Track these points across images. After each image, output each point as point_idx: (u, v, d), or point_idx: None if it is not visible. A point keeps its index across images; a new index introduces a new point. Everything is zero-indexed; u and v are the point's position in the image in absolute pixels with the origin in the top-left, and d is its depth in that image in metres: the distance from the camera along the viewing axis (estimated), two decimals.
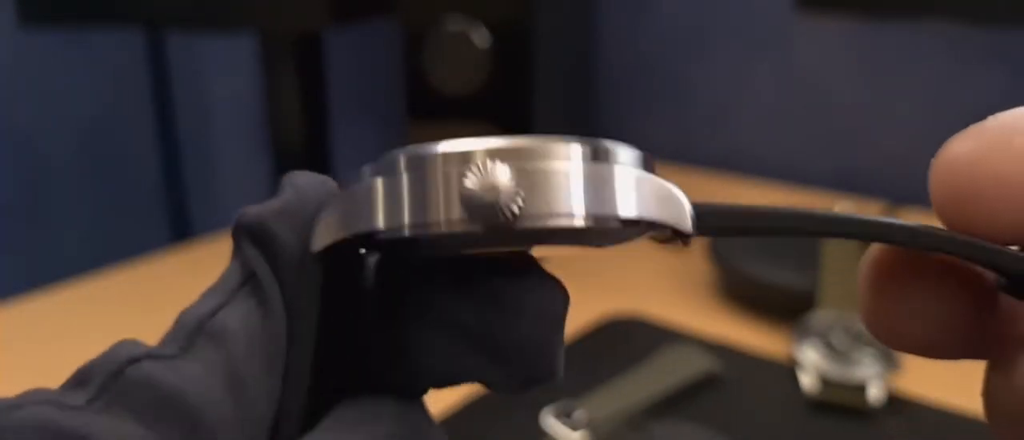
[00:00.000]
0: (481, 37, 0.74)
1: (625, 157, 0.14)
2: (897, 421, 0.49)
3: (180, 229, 1.18)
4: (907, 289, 0.16)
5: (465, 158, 0.14)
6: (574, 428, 0.48)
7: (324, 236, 0.15)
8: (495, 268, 0.16)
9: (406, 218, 0.14)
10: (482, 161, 0.13)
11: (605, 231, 0.14)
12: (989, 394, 0.16)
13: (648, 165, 0.15)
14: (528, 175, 0.14)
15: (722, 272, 0.64)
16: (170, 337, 0.14)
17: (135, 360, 0.14)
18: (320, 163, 0.90)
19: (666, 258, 0.72)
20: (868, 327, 0.17)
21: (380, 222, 0.14)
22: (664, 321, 0.60)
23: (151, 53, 1.12)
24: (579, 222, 0.14)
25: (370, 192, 0.14)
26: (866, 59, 0.86)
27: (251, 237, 0.15)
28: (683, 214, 0.15)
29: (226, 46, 1.14)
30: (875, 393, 0.50)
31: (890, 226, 0.15)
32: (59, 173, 1.10)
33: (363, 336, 0.16)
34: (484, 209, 0.13)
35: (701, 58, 0.94)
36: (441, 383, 0.16)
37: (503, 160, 0.13)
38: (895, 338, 0.17)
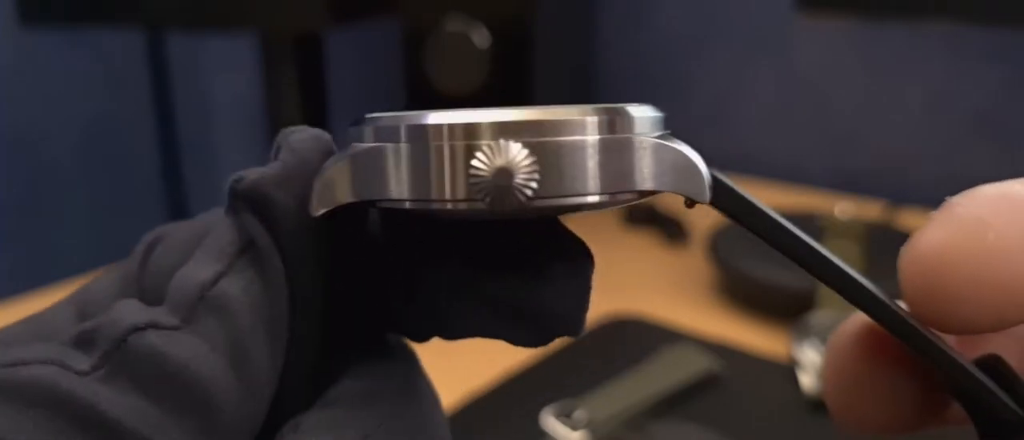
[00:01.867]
0: (481, 37, 0.74)
1: (642, 123, 0.14)
2: None
3: None
4: (873, 373, 0.16)
5: (471, 133, 0.13)
6: (574, 428, 0.48)
7: (325, 199, 0.14)
8: (519, 232, 0.15)
9: (414, 192, 0.13)
10: (491, 139, 0.13)
11: (620, 199, 0.14)
12: None
13: (665, 126, 0.15)
14: (541, 151, 0.13)
15: (722, 272, 0.64)
16: (171, 303, 0.14)
17: (138, 329, 0.14)
18: None
19: (666, 258, 0.72)
20: (829, 405, 0.17)
21: (390, 191, 0.14)
22: (664, 321, 0.60)
23: (151, 53, 1.12)
24: (594, 198, 0.13)
25: (377, 160, 0.14)
26: (866, 59, 0.86)
27: (249, 204, 0.15)
28: (701, 184, 0.14)
29: (226, 46, 1.14)
30: None
31: (884, 307, 0.15)
32: (59, 173, 1.09)
33: (375, 284, 0.16)
34: (497, 191, 0.13)
35: (701, 58, 0.94)
36: (459, 336, 0.16)
37: (514, 137, 0.13)
38: (854, 419, 0.16)
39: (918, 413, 0.16)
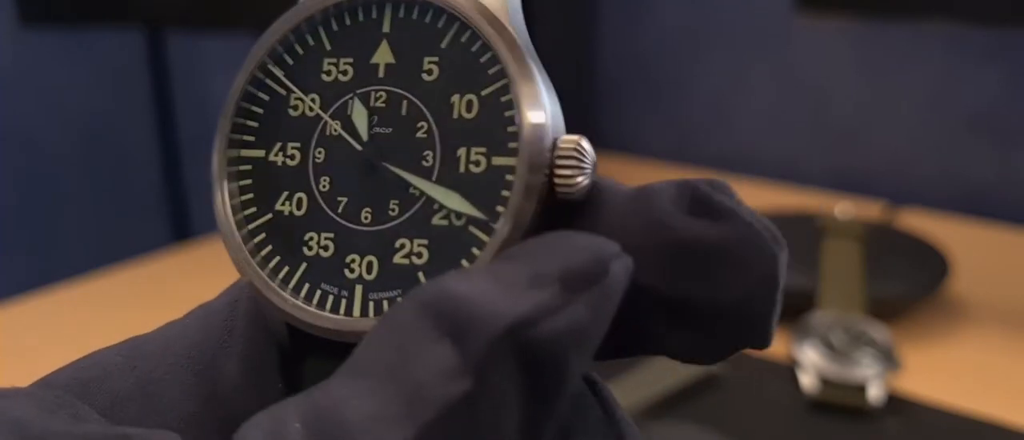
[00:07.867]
0: None
1: None
2: (897, 421, 0.49)
3: (180, 229, 1.17)
4: None
5: None
6: None
7: None
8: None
9: None
10: None
11: None
12: None
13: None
14: None
15: None
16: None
17: None
18: None
19: None
20: None
21: None
22: None
23: (151, 53, 1.12)
24: None
25: None
26: (866, 59, 0.86)
27: None
28: None
29: (226, 46, 1.14)
30: (875, 393, 0.50)
31: None
32: (59, 173, 1.10)
33: None
34: None
35: (700, 58, 0.94)
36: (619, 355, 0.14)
37: None
38: None
39: None
